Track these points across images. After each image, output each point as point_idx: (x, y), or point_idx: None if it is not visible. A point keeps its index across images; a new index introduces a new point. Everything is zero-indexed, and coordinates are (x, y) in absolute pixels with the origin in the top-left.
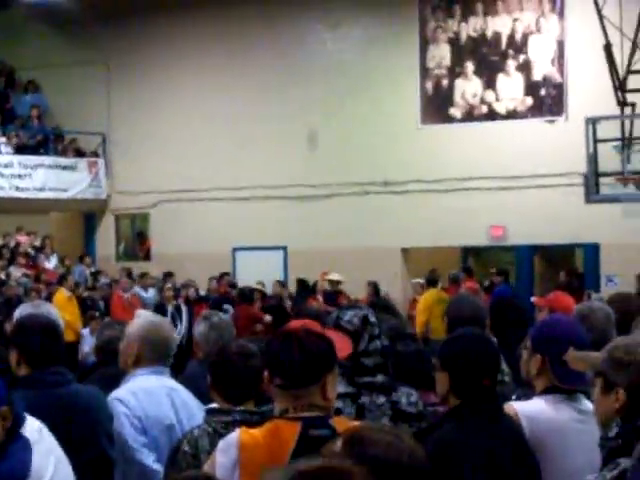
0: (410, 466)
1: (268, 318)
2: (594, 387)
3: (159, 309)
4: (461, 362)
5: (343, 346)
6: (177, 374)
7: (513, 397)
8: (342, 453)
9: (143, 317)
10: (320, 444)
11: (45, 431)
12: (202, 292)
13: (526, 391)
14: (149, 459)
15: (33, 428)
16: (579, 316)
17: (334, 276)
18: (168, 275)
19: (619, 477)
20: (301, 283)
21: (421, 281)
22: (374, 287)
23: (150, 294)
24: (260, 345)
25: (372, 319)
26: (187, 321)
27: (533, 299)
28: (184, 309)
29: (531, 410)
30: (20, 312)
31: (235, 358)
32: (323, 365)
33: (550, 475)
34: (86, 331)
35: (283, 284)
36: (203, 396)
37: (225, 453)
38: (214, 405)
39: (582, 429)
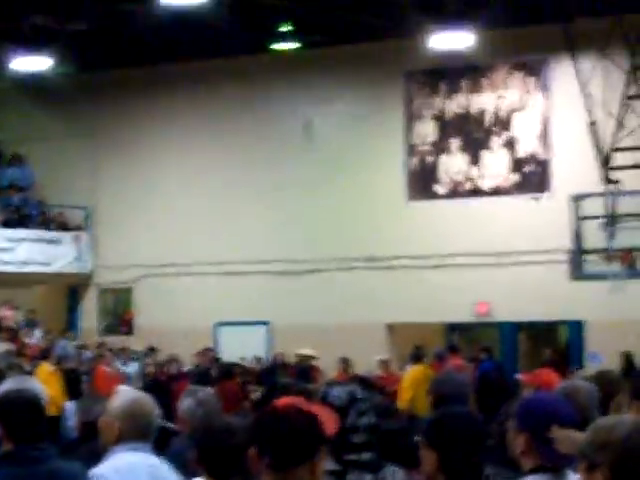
0: None
1: (257, 395)
2: (580, 469)
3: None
4: (450, 441)
5: (330, 422)
6: (160, 449)
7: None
8: None
9: (124, 393)
10: None
11: None
12: (185, 367)
13: (502, 470)
14: None
15: None
16: (563, 394)
17: (306, 351)
18: (151, 350)
19: None
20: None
21: (383, 358)
22: (346, 363)
23: (131, 368)
24: (245, 421)
25: (359, 395)
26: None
27: (519, 376)
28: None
29: None
30: (4, 388)
31: (220, 435)
32: (313, 444)
33: None
34: (69, 405)
35: (259, 360)
36: (189, 472)
37: None
38: None
39: None
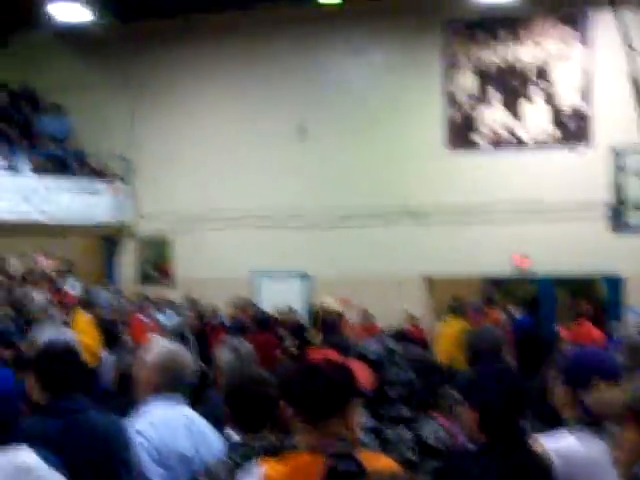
0: None
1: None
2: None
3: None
4: (491, 401)
5: (365, 377)
6: (196, 402)
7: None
8: None
9: (160, 345)
10: (346, 478)
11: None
12: (223, 318)
13: (537, 424)
14: None
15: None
16: (630, 348)
17: (331, 304)
18: (192, 301)
19: None
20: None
21: (410, 312)
22: (367, 316)
23: (170, 319)
24: (279, 373)
25: (394, 348)
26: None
27: (559, 328)
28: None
29: (562, 447)
30: (41, 337)
31: (249, 386)
32: (345, 395)
33: None
34: (107, 355)
35: (292, 310)
36: (225, 424)
37: None
38: (235, 439)
39: (609, 462)
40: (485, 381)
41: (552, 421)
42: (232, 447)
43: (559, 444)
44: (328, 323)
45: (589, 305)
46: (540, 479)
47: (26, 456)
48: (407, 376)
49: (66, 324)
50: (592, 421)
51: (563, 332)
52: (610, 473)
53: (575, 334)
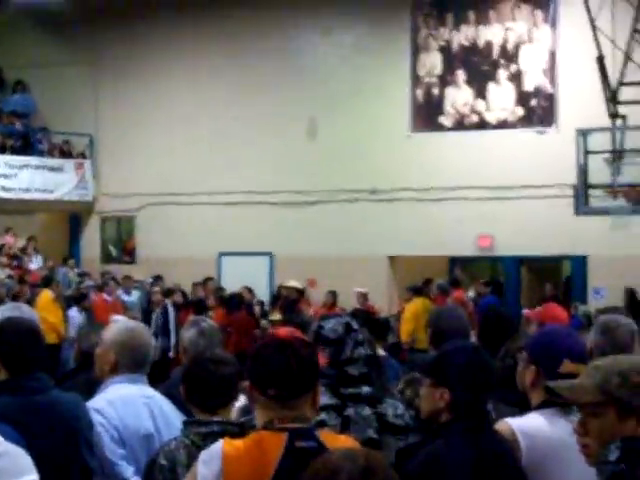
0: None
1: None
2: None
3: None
4: (464, 377)
5: (321, 356)
6: (157, 381)
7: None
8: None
9: (120, 323)
10: (306, 456)
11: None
12: (188, 297)
13: (500, 406)
14: (128, 472)
15: None
16: (603, 328)
17: (292, 283)
18: (157, 278)
19: None
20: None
21: (363, 290)
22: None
23: (133, 297)
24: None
25: (355, 326)
26: (174, 326)
27: (524, 312)
28: (171, 314)
29: (528, 427)
30: (1, 315)
31: (208, 366)
32: (315, 374)
33: None
34: (69, 333)
35: (250, 290)
36: None
37: (208, 465)
38: (193, 417)
39: (575, 443)
40: (455, 357)
41: (519, 403)
42: (188, 424)
43: (526, 424)
44: (288, 302)
45: (553, 288)
46: (497, 458)
47: None
48: (367, 354)
49: (29, 302)
50: (559, 402)
51: (529, 313)
52: (574, 456)
53: (541, 314)
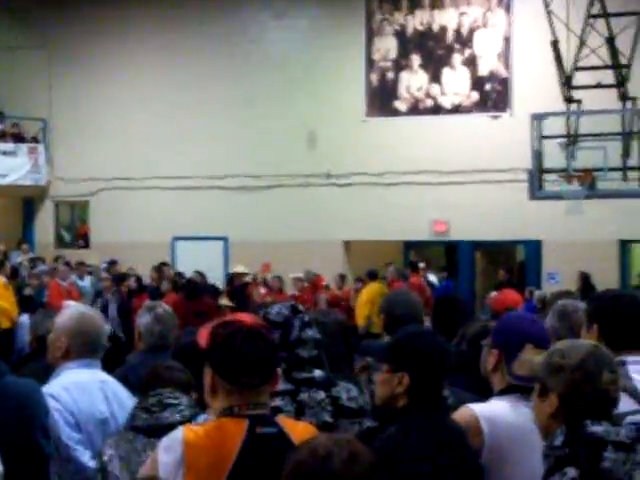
0: (342, 473)
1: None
2: (534, 392)
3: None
4: (423, 362)
5: None
6: (111, 366)
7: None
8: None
9: (72, 308)
10: (267, 442)
11: None
12: (143, 282)
13: (457, 391)
14: (85, 456)
15: None
16: (560, 312)
17: (239, 268)
18: (111, 263)
19: None
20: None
21: (299, 275)
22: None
23: (86, 283)
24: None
25: (300, 308)
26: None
27: (490, 297)
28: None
29: (490, 412)
30: None
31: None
32: (277, 360)
33: (510, 477)
34: (24, 319)
35: (202, 275)
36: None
37: (168, 451)
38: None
39: (536, 429)
40: (415, 342)
41: (474, 388)
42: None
43: (488, 410)
44: (236, 287)
45: (507, 274)
46: (453, 444)
47: None
48: (315, 337)
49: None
50: (521, 387)
51: (488, 299)
52: (537, 442)
53: (497, 300)
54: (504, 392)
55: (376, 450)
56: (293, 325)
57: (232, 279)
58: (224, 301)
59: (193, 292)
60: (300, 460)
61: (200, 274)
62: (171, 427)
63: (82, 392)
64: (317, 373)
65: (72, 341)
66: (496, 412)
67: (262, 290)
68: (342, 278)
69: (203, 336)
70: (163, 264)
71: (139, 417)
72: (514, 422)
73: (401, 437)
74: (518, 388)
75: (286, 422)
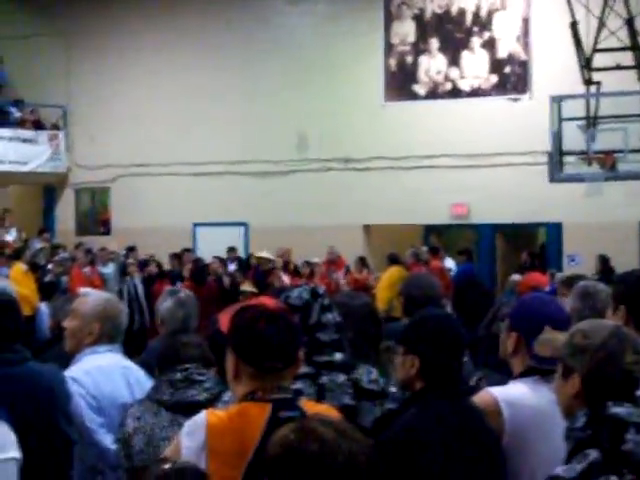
0: (344, 469)
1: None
2: (556, 373)
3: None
4: (433, 344)
5: None
6: (133, 351)
7: (474, 378)
8: (279, 440)
9: (95, 294)
10: None
11: None
12: (164, 268)
13: (486, 373)
14: (107, 440)
15: None
16: (582, 293)
17: (264, 254)
18: (131, 249)
19: (589, 469)
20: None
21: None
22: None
23: (109, 269)
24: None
25: (321, 291)
26: (144, 297)
27: (515, 277)
28: (139, 286)
29: (511, 396)
30: None
31: (179, 351)
32: (299, 344)
33: (531, 461)
34: (44, 306)
35: (222, 260)
36: None
37: (191, 436)
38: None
39: (559, 411)
40: (425, 325)
41: (503, 370)
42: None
43: (509, 393)
44: (259, 273)
45: (529, 257)
46: (472, 426)
47: None
48: (337, 320)
49: (5, 275)
50: (542, 370)
51: (509, 282)
52: (559, 424)
53: (523, 282)
54: (524, 375)
55: (391, 435)
56: (313, 309)
57: (249, 262)
58: (247, 287)
59: (198, 278)
60: (305, 455)
61: (220, 259)
62: (197, 405)
63: (104, 376)
64: (337, 356)
65: (95, 327)
66: (516, 395)
67: (284, 277)
68: (362, 261)
69: (224, 321)
70: (186, 250)
71: (164, 391)
72: (535, 405)
73: (416, 421)
74: (538, 370)
75: (308, 405)
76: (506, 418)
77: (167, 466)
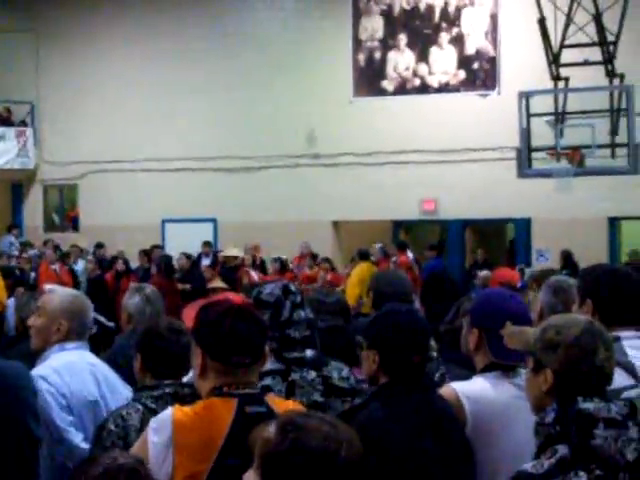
0: (347, 459)
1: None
2: (527, 366)
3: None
4: (391, 339)
5: None
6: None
7: (437, 374)
8: (275, 440)
9: (63, 291)
10: (256, 421)
11: None
12: (132, 264)
13: (452, 367)
14: (77, 438)
15: None
16: (555, 288)
17: (231, 252)
18: (98, 246)
19: (557, 464)
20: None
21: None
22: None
23: (79, 266)
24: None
25: (293, 288)
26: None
27: (485, 273)
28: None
29: (472, 390)
30: None
31: (167, 334)
32: (266, 339)
33: (493, 455)
34: (11, 302)
35: (188, 256)
36: (132, 369)
37: (158, 432)
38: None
39: (521, 406)
40: (384, 320)
41: (467, 366)
42: (139, 389)
43: (470, 388)
44: (227, 269)
45: (484, 252)
46: (436, 419)
47: None
48: (308, 317)
49: None
50: (503, 365)
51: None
52: (520, 418)
53: (493, 277)
54: (486, 370)
55: (354, 427)
56: (284, 306)
57: (217, 258)
58: (217, 283)
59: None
60: (304, 450)
61: (187, 256)
62: None
63: (73, 374)
64: (308, 353)
65: (63, 324)
66: (477, 390)
67: (253, 273)
68: (313, 258)
69: (189, 316)
70: (155, 246)
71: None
72: (496, 399)
73: (374, 416)
74: (500, 366)
75: (275, 401)
76: (467, 412)
77: (109, 460)
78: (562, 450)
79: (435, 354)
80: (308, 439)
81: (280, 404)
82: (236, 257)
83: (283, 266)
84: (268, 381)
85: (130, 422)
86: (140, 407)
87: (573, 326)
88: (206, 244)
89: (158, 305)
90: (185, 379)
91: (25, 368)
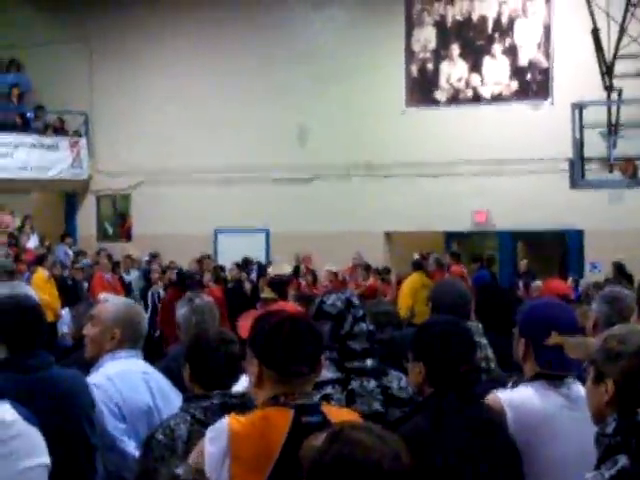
0: (391, 471)
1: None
2: (588, 376)
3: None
4: (436, 351)
5: None
6: (153, 357)
7: (510, 383)
8: (320, 451)
9: (115, 300)
10: (313, 431)
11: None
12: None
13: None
14: (130, 446)
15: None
16: (610, 298)
17: (282, 269)
18: (154, 256)
19: (618, 476)
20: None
21: (333, 269)
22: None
23: (133, 276)
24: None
25: (355, 301)
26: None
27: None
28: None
29: (516, 399)
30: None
31: (215, 345)
32: (322, 350)
33: (538, 464)
34: (65, 312)
35: (239, 266)
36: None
37: (214, 442)
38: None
39: (572, 416)
40: (430, 332)
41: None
42: (188, 399)
43: (514, 397)
44: (278, 282)
45: (527, 264)
46: (483, 429)
47: (4, 411)
48: (369, 329)
49: (26, 280)
50: (551, 375)
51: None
52: (564, 429)
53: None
54: (534, 379)
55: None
56: (346, 319)
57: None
58: (268, 293)
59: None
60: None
61: (238, 265)
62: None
63: (126, 382)
64: (369, 362)
65: (117, 333)
66: (522, 399)
67: (303, 284)
68: (366, 269)
69: (244, 327)
70: (204, 256)
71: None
72: (541, 409)
73: (420, 427)
74: (548, 375)
75: (330, 410)
76: (510, 421)
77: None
78: (622, 461)
79: (492, 365)
80: (352, 451)
81: (336, 413)
82: (284, 273)
83: (337, 278)
84: (328, 390)
85: (178, 433)
86: (189, 418)
87: (635, 336)
88: (246, 261)
89: (207, 315)
90: (238, 388)
91: (82, 376)
